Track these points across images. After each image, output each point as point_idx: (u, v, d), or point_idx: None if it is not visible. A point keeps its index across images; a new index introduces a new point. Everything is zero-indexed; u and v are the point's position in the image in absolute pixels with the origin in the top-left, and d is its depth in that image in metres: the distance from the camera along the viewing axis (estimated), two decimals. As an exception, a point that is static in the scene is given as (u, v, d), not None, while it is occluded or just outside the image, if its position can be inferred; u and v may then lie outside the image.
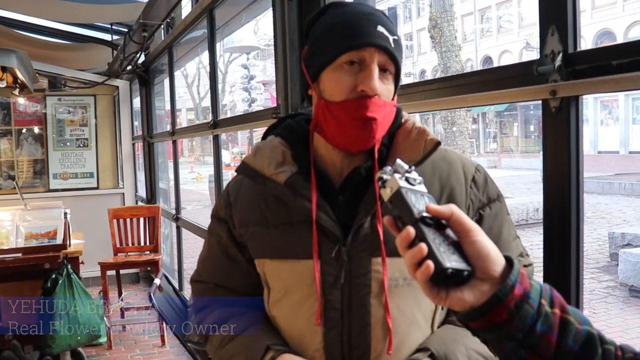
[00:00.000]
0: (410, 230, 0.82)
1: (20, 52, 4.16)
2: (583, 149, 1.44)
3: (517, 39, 28.58)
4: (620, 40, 22.81)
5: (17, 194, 5.67)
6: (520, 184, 17.34)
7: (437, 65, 16.14)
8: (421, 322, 1.25)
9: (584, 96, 1.41)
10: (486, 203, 1.28)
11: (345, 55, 1.18)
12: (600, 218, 11.62)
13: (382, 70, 1.19)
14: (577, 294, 1.43)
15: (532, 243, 7.61)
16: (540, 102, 1.46)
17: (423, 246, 0.80)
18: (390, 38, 1.19)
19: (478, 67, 30.13)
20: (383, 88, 1.19)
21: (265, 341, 1.25)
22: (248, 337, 1.28)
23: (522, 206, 10.71)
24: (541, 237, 1.52)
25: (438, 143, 1.24)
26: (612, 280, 7.29)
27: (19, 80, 4.73)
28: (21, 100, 6.74)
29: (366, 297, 1.21)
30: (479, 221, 1.25)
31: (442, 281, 0.81)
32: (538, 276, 1.48)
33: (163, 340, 5.13)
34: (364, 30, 1.18)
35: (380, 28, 1.19)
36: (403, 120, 1.30)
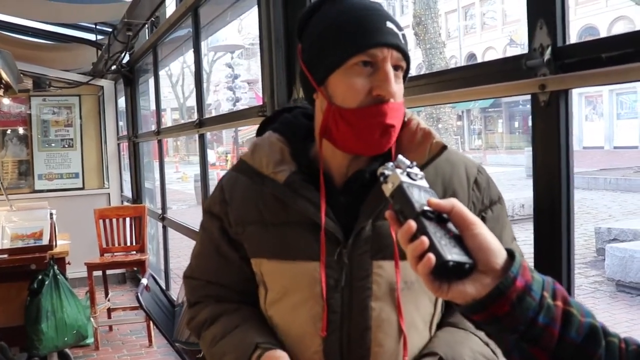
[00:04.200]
0: (412, 224, 0.82)
1: (4, 52, 4.12)
2: (572, 142, 1.45)
3: (500, 36, 28.76)
4: (604, 35, 23.01)
5: (2, 194, 5.61)
6: (506, 180, 17.41)
7: (422, 62, 16.16)
8: (420, 326, 1.23)
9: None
10: (488, 205, 1.26)
11: (356, 57, 1.12)
12: (586, 213, 11.70)
13: (395, 68, 1.14)
14: (569, 288, 1.43)
15: (519, 239, 7.62)
16: (526, 97, 1.46)
17: (424, 239, 0.80)
18: (400, 34, 1.15)
19: (462, 63, 30.27)
20: (397, 88, 1.14)
21: (255, 339, 1.22)
22: (239, 335, 1.26)
23: (508, 202, 10.62)
24: (527, 233, 1.52)
25: (444, 147, 1.21)
26: (599, 275, 7.34)
27: (2, 81, 4.68)
28: (5, 101, 6.67)
29: (366, 300, 1.19)
30: None
31: (444, 274, 0.82)
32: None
33: (150, 341, 5.11)
34: (374, 27, 1.13)
35: (389, 24, 1.14)
36: (406, 119, 1.25)
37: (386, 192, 0.88)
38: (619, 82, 1.26)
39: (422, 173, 0.91)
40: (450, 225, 0.85)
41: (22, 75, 5.78)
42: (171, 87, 33.72)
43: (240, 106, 21.07)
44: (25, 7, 5.18)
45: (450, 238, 0.83)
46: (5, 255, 3.95)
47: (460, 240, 0.84)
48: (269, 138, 1.29)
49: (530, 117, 1.49)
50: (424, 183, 0.90)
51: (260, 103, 2.90)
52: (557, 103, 1.39)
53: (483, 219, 1.22)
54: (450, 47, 29.63)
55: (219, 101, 32.98)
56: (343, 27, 1.14)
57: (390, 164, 0.89)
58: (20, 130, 7.07)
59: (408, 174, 0.88)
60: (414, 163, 0.91)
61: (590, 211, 12.04)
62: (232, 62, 23.85)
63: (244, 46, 26.96)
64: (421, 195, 0.87)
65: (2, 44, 5.83)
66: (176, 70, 33.53)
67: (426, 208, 0.84)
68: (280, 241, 1.24)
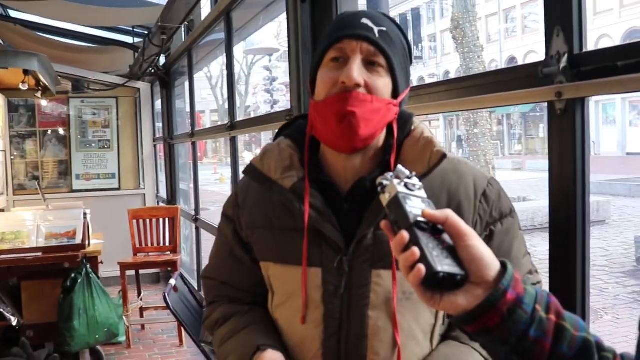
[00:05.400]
0: (405, 235, 0.83)
1: (41, 56, 4.22)
2: (589, 151, 1.43)
3: (542, 39, 28.15)
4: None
5: (39, 194, 5.76)
6: (544, 186, 17.03)
7: (460, 66, 16.03)
8: (419, 336, 1.23)
9: (612, 96, 1.38)
10: (498, 219, 1.24)
11: (328, 53, 1.18)
12: (627, 221, 11.43)
13: (370, 63, 1.17)
14: (584, 298, 1.43)
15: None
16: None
17: (415, 250, 0.81)
18: (376, 29, 1.17)
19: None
20: (372, 80, 1.16)
21: (258, 341, 1.25)
22: (244, 336, 1.29)
23: (545, 209, 10.53)
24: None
25: (443, 156, 1.21)
26: (638, 285, 7.19)
27: (41, 83, 4.80)
28: (44, 103, 6.84)
29: (364, 308, 1.20)
30: (489, 237, 1.22)
31: (436, 285, 0.83)
32: (544, 280, 1.47)
33: (181, 340, 5.18)
34: (345, 24, 1.18)
35: (364, 20, 1.17)
36: (413, 128, 1.27)
37: (383, 202, 0.89)
38: (635, 90, 1.24)
39: (420, 183, 0.91)
40: (445, 237, 0.86)
41: (60, 77, 5.93)
42: (210, 89, 34.02)
43: (277, 108, 21.21)
44: (63, 11, 5.31)
45: (443, 249, 0.84)
46: (40, 253, 4.05)
47: (454, 251, 0.85)
48: (280, 144, 1.31)
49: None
50: (421, 194, 0.90)
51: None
52: (573, 111, 1.37)
53: (491, 232, 1.23)
54: (490, 50, 29.27)
55: (257, 103, 33.23)
56: (326, 32, 1.22)
57: (390, 174, 0.90)
58: (60, 131, 7.24)
59: (406, 185, 0.89)
60: (414, 173, 0.91)
61: (632, 219, 11.75)
62: (270, 65, 24.05)
63: (280, 49, 27.15)
64: (417, 206, 0.87)
65: (42, 47, 6.00)
66: (215, 72, 33.85)
67: (420, 219, 0.85)
68: (286, 246, 1.26)
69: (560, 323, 0.83)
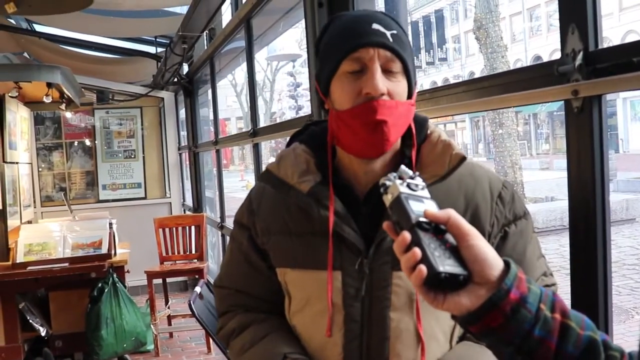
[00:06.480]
0: (406, 235, 0.83)
1: (64, 68, 4.28)
2: (608, 149, 1.41)
3: (567, 37, 27.72)
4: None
5: (65, 205, 5.83)
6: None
7: (485, 67, 15.91)
8: (439, 337, 1.23)
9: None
10: (512, 220, 1.25)
11: (345, 62, 1.18)
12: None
13: (387, 69, 1.17)
14: (605, 296, 1.39)
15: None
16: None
17: (416, 250, 0.81)
18: (388, 33, 1.17)
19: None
20: (392, 86, 1.17)
21: (283, 349, 1.25)
22: (266, 345, 1.29)
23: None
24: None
25: (463, 158, 1.22)
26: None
27: (65, 95, 4.87)
28: (68, 115, 6.93)
29: (385, 310, 1.20)
30: (504, 238, 1.24)
31: (438, 285, 0.82)
32: (565, 280, 1.44)
33: (209, 347, 5.19)
34: (358, 31, 1.18)
35: (375, 25, 1.18)
36: (429, 132, 1.28)
37: (386, 202, 0.89)
38: (651, 86, 1.22)
39: (423, 184, 0.91)
40: (448, 237, 0.85)
41: (84, 89, 6.00)
42: (236, 96, 34.21)
43: (302, 114, 21.23)
44: (86, 23, 5.40)
45: (446, 249, 0.83)
46: (66, 264, 4.11)
47: (457, 251, 0.84)
48: (295, 149, 1.32)
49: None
50: (424, 193, 0.89)
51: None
52: (590, 109, 1.36)
53: (505, 233, 1.24)
54: (516, 50, 29.00)
55: (282, 109, 33.35)
56: (335, 38, 1.21)
57: (393, 174, 0.90)
58: (86, 142, 7.33)
59: (408, 185, 0.89)
60: (417, 173, 0.91)
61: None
62: (294, 70, 24.12)
63: (303, 55, 27.26)
64: (420, 206, 0.86)
65: (67, 59, 6.10)
66: (240, 80, 34.01)
67: (422, 219, 0.84)
68: (303, 251, 1.27)
69: (566, 322, 0.82)
